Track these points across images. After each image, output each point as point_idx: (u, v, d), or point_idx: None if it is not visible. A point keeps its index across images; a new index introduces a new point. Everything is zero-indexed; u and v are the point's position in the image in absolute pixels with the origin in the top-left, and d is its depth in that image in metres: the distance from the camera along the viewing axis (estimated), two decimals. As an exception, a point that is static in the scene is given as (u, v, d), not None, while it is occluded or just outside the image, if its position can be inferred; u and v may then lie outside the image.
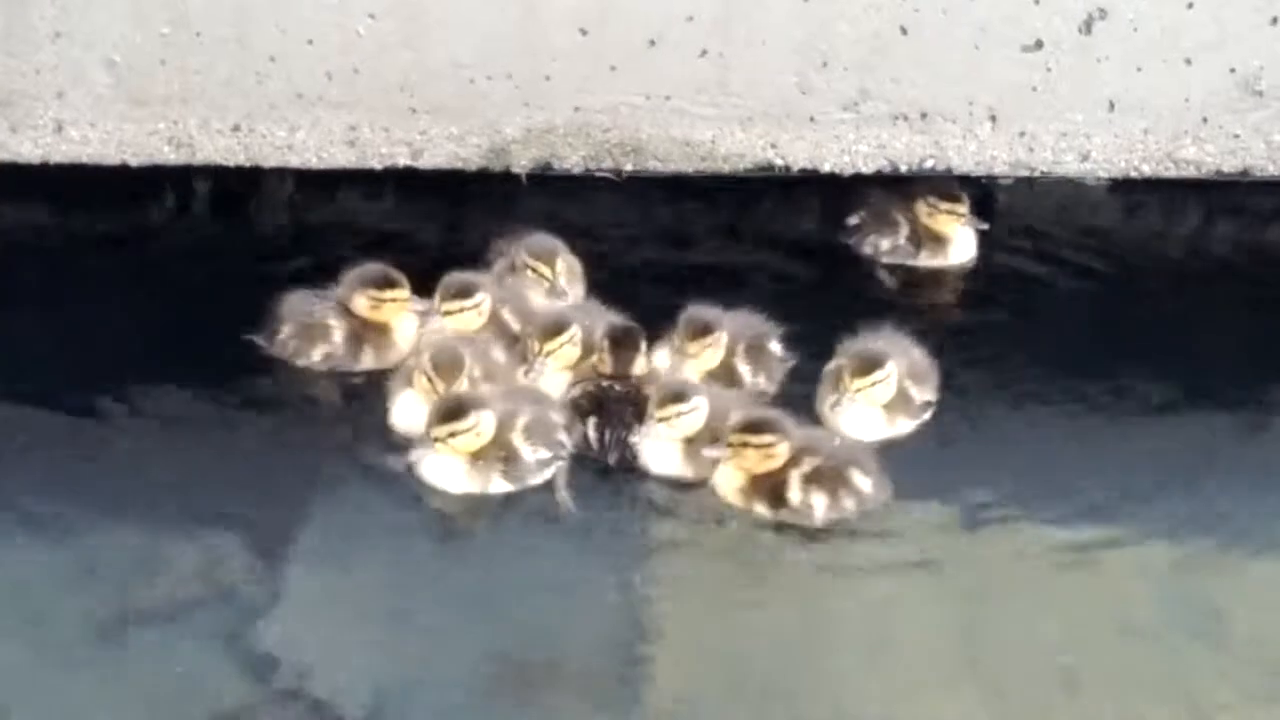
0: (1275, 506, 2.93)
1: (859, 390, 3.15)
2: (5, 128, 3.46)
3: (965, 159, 3.67)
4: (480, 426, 3.04)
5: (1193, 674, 2.67)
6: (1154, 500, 2.92)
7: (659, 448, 3.13)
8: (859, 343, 3.31)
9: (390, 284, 3.25)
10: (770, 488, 3.05)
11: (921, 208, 3.47)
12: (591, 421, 3.21)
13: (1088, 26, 3.55)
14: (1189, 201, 3.72)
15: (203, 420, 3.20)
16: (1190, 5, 3.44)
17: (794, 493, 3.03)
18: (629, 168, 3.68)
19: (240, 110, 3.50)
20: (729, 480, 3.06)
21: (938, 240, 3.49)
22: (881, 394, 3.18)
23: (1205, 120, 3.58)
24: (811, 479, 3.01)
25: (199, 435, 3.16)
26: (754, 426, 3.06)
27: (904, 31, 3.51)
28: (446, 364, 3.12)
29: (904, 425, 3.18)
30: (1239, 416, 3.15)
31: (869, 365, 3.18)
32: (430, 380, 3.14)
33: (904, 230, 3.49)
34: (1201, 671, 2.69)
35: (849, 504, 3.05)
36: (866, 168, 3.66)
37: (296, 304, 3.28)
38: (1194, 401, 3.18)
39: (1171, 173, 3.65)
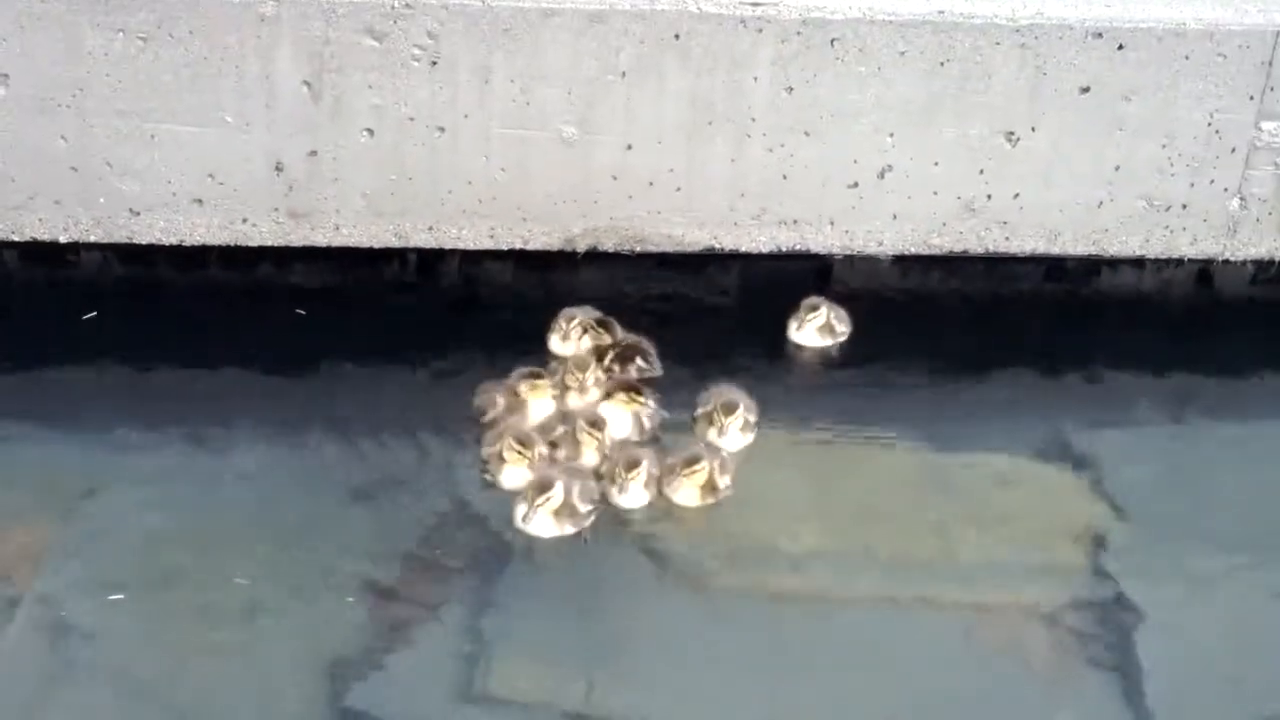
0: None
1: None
2: (306, 227, 4.77)
3: (817, 245, 4.87)
4: (555, 494, 3.86)
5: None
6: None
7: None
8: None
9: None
10: None
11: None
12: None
13: (882, 175, 4.79)
14: (935, 268, 4.95)
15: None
16: (936, 163, 4.74)
17: None
18: (638, 249, 4.82)
19: (433, 219, 4.73)
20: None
21: None
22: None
23: (944, 224, 4.89)
24: None
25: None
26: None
27: (785, 178, 4.74)
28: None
29: None
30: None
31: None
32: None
33: None
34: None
35: None
36: (765, 249, 4.83)
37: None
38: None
39: (925, 251, 4.91)
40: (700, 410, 4.26)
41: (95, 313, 4.57)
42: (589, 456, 4.07)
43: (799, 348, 4.62)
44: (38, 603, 3.56)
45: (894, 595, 3.85)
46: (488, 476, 4.01)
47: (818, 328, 4.60)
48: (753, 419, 4.24)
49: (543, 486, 3.81)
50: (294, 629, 3.57)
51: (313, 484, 3.97)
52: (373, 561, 3.76)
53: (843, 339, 4.62)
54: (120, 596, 3.55)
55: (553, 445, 4.10)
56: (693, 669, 3.54)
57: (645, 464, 3.97)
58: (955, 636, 3.68)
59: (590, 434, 4.03)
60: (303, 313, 4.63)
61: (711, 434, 4.21)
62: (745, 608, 3.69)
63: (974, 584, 3.80)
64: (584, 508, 3.87)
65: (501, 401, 4.19)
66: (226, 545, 3.75)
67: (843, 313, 4.69)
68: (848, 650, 3.61)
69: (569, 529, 3.81)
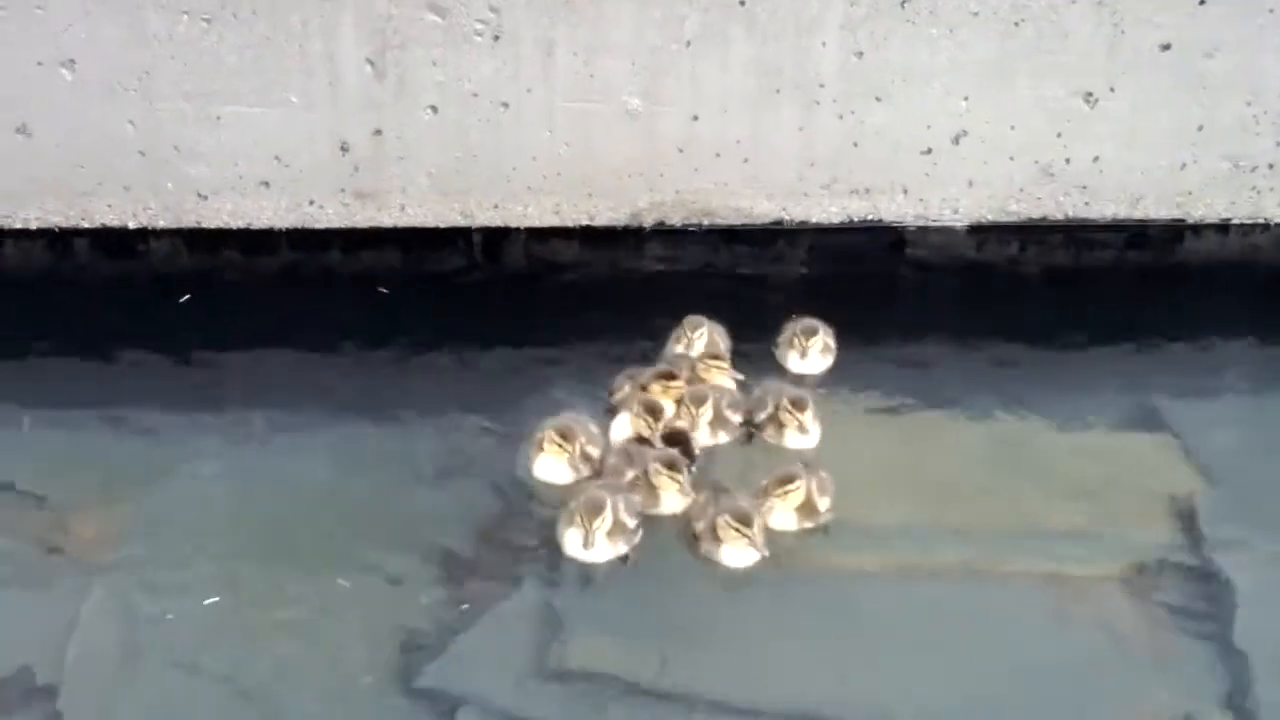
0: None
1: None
2: (373, 208, 4.77)
3: (890, 215, 4.84)
4: (607, 515, 3.69)
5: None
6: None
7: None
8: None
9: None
10: None
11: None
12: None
13: (956, 140, 4.76)
14: (1012, 236, 4.95)
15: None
16: (1012, 127, 4.73)
17: None
18: (705, 223, 4.83)
19: (498, 196, 4.76)
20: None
21: None
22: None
23: (1022, 190, 4.86)
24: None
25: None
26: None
27: (855, 145, 4.72)
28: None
29: None
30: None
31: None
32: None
33: None
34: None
35: None
36: (836, 220, 4.84)
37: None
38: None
39: (1002, 219, 4.88)
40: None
41: (189, 295, 4.65)
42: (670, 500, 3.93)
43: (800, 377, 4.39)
44: (112, 583, 3.60)
45: (978, 568, 3.81)
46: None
47: (819, 350, 4.35)
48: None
49: (595, 509, 3.66)
50: (365, 609, 3.57)
51: (384, 464, 3.98)
52: (445, 540, 3.76)
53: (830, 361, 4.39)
54: (215, 599, 3.57)
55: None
56: (770, 644, 3.52)
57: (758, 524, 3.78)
58: (1044, 609, 3.64)
59: (670, 476, 3.89)
60: (385, 291, 4.68)
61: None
62: (826, 583, 3.69)
63: (1061, 556, 3.77)
64: (631, 522, 3.74)
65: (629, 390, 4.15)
66: (298, 526, 3.76)
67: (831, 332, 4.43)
68: (930, 625, 3.57)
69: (622, 548, 3.71)
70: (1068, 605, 3.73)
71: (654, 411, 3.96)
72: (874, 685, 3.44)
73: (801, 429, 3.99)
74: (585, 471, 3.92)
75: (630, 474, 3.85)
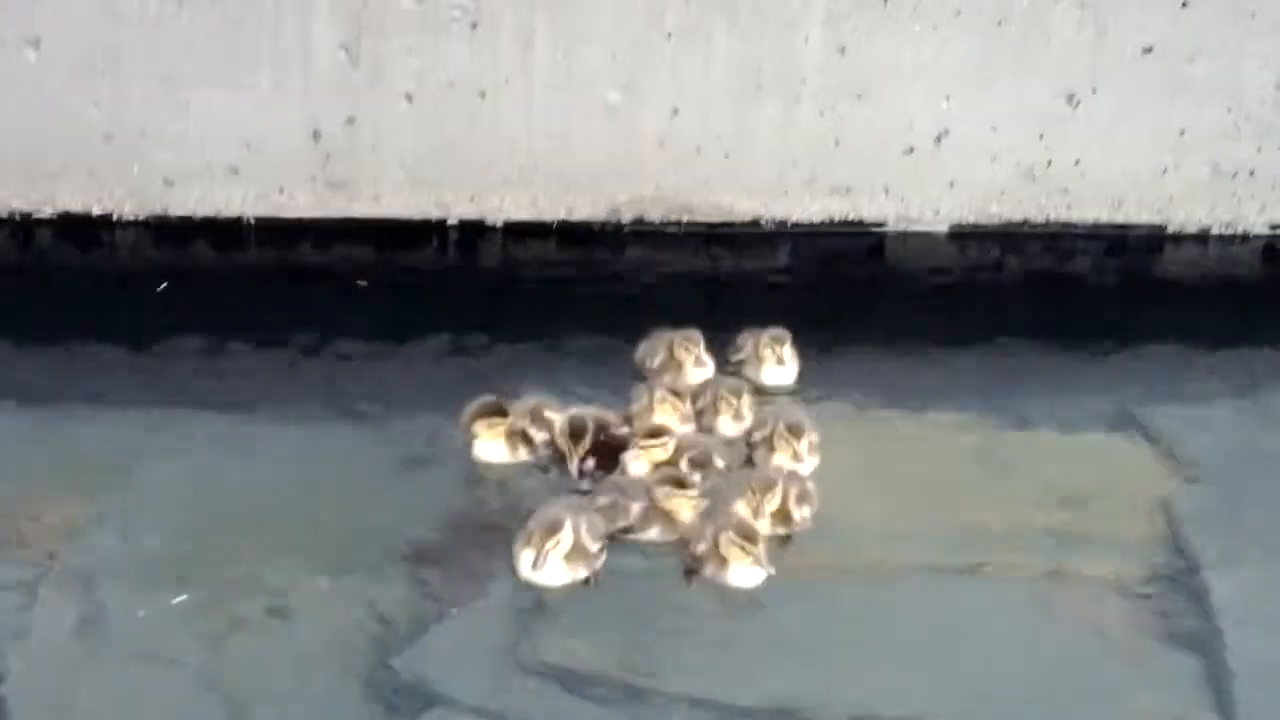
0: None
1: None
2: (345, 198, 4.76)
3: (870, 215, 4.86)
4: (565, 534, 3.49)
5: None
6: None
7: None
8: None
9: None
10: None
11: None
12: (590, 462, 3.81)
13: (938, 140, 4.77)
14: (990, 241, 4.98)
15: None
16: (994, 128, 4.75)
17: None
18: (685, 219, 4.83)
19: (474, 188, 4.74)
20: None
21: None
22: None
23: (1003, 192, 4.89)
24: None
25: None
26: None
27: (836, 144, 4.74)
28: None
29: None
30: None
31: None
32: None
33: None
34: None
35: None
36: (816, 219, 4.85)
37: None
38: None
39: (983, 220, 4.92)
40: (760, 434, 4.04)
41: (166, 284, 4.59)
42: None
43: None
44: (72, 575, 3.52)
45: (959, 570, 3.78)
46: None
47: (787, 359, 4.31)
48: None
49: (551, 528, 3.48)
50: (332, 603, 3.50)
51: (352, 459, 3.92)
52: (414, 532, 3.69)
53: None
54: (183, 597, 3.47)
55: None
56: (750, 642, 3.46)
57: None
58: (1028, 612, 3.63)
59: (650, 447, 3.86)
60: (364, 284, 4.70)
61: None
62: (807, 584, 3.63)
63: (1045, 557, 3.73)
64: (594, 546, 3.55)
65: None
66: (265, 518, 3.70)
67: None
68: (913, 627, 3.52)
69: (581, 573, 3.53)
70: (1052, 607, 3.68)
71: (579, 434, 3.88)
72: (856, 686, 3.38)
73: (797, 457, 3.90)
74: (524, 454, 3.87)
75: (631, 505, 3.73)
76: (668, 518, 3.67)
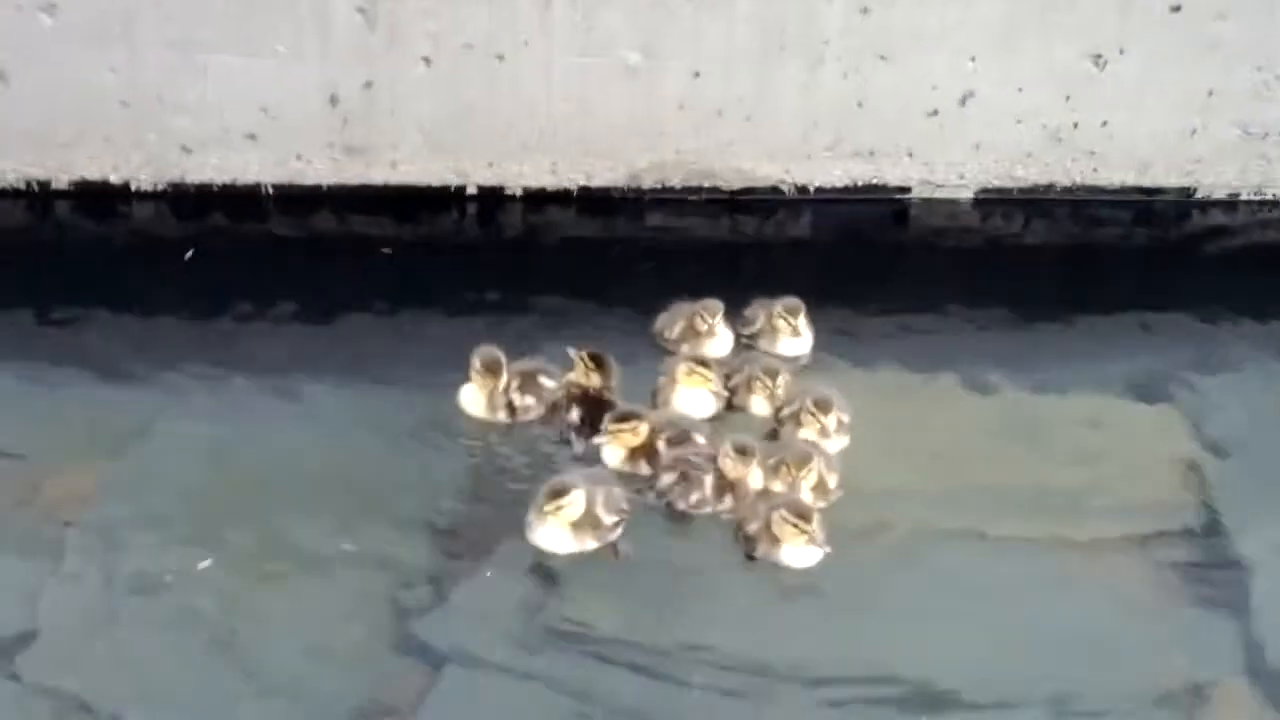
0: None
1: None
2: (363, 164, 4.72)
3: (894, 179, 4.83)
4: (575, 501, 3.49)
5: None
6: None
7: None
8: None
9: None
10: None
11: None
12: (575, 413, 3.89)
13: (963, 102, 4.72)
14: (1015, 207, 4.94)
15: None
16: (1020, 89, 4.71)
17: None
18: (706, 184, 4.79)
19: (494, 153, 4.72)
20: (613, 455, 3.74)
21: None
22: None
23: (1029, 154, 4.85)
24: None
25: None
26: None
27: (860, 105, 4.70)
28: None
29: None
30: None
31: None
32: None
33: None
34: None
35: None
36: (839, 184, 4.81)
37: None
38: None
39: (1008, 184, 4.87)
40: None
41: (193, 250, 4.61)
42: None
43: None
44: (94, 537, 3.56)
45: (986, 533, 3.77)
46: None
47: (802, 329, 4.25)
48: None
49: (557, 492, 3.48)
50: (355, 565, 3.53)
51: (371, 423, 3.93)
52: (433, 495, 3.71)
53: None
54: (208, 563, 3.50)
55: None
56: (771, 606, 3.51)
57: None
58: (1054, 575, 3.66)
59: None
60: (389, 251, 4.65)
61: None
62: (833, 549, 3.63)
63: (1072, 522, 3.79)
64: (608, 518, 3.54)
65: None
66: (284, 483, 3.72)
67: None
68: (941, 590, 3.55)
69: (589, 544, 3.51)
70: (1079, 571, 3.67)
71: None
72: (880, 648, 3.40)
73: (824, 433, 3.86)
74: (502, 416, 3.86)
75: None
76: (736, 488, 3.65)
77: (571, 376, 3.97)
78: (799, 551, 3.51)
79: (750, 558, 3.57)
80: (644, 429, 3.73)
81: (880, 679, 3.33)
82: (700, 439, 3.80)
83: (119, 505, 3.66)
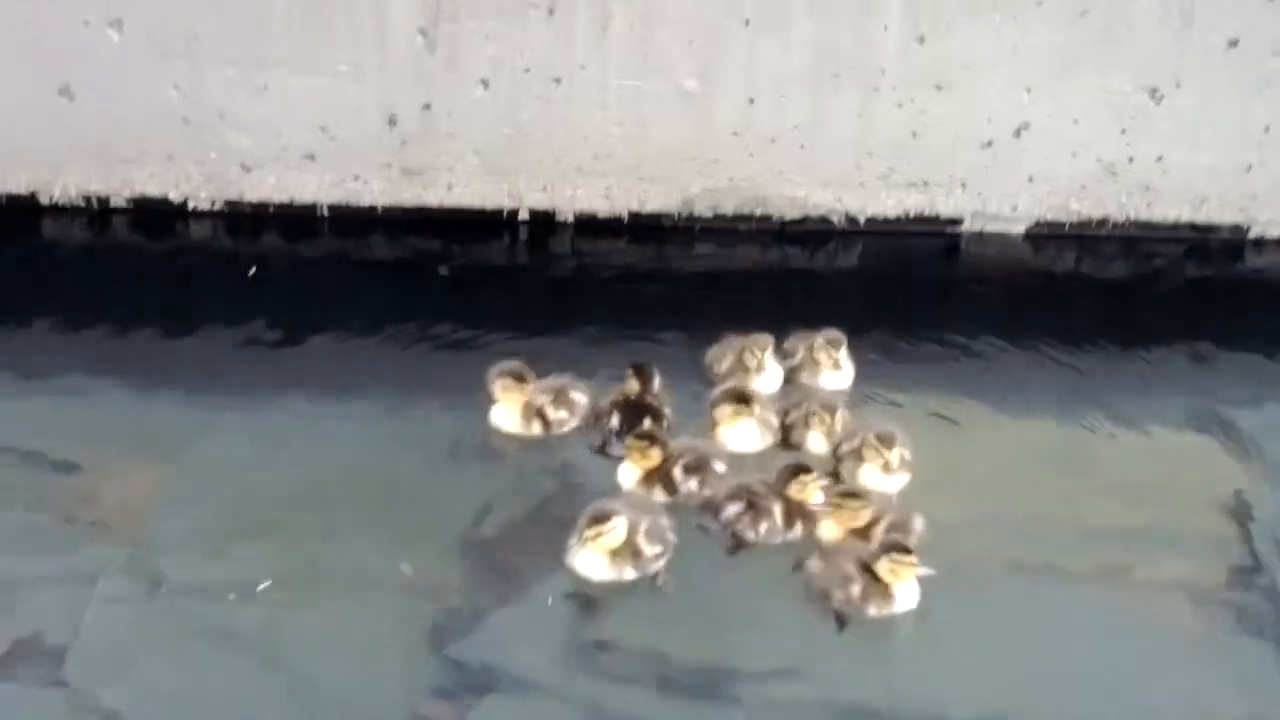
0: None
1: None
2: (419, 185, 4.78)
3: (946, 210, 4.86)
4: (616, 529, 3.43)
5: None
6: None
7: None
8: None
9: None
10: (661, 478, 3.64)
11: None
12: (616, 419, 3.90)
13: (1018, 134, 4.75)
14: (1068, 242, 4.93)
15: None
16: (1076, 121, 4.70)
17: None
18: (759, 213, 4.82)
19: (547, 177, 4.77)
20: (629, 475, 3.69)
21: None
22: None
23: (1083, 188, 4.87)
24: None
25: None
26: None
27: (914, 136, 4.74)
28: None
29: None
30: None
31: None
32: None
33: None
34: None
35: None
36: (891, 214, 4.84)
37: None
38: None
39: (1062, 218, 4.87)
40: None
41: (255, 268, 4.65)
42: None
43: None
44: (137, 550, 3.56)
45: (1038, 566, 3.73)
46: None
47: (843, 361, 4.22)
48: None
49: (597, 519, 3.43)
50: (396, 586, 3.51)
51: (416, 443, 3.92)
52: (475, 517, 3.69)
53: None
54: (266, 584, 3.47)
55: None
56: (814, 633, 3.49)
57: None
58: (1107, 608, 3.63)
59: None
60: (446, 272, 4.67)
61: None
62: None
63: (1124, 555, 3.76)
64: (651, 549, 3.49)
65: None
66: (327, 501, 3.71)
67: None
68: (992, 623, 3.53)
69: (628, 573, 3.46)
70: (1130, 606, 3.63)
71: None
72: (932, 680, 3.37)
73: (887, 468, 3.81)
74: (538, 431, 3.85)
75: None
76: (804, 515, 3.61)
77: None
78: (909, 589, 3.48)
79: (840, 620, 3.51)
80: (655, 453, 3.70)
81: (931, 715, 3.30)
82: (720, 467, 3.75)
83: (166, 520, 3.68)
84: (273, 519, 3.63)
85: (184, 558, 3.55)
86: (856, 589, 3.41)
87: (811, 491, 3.63)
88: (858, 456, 3.82)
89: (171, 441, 3.93)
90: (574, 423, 3.96)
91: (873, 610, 3.42)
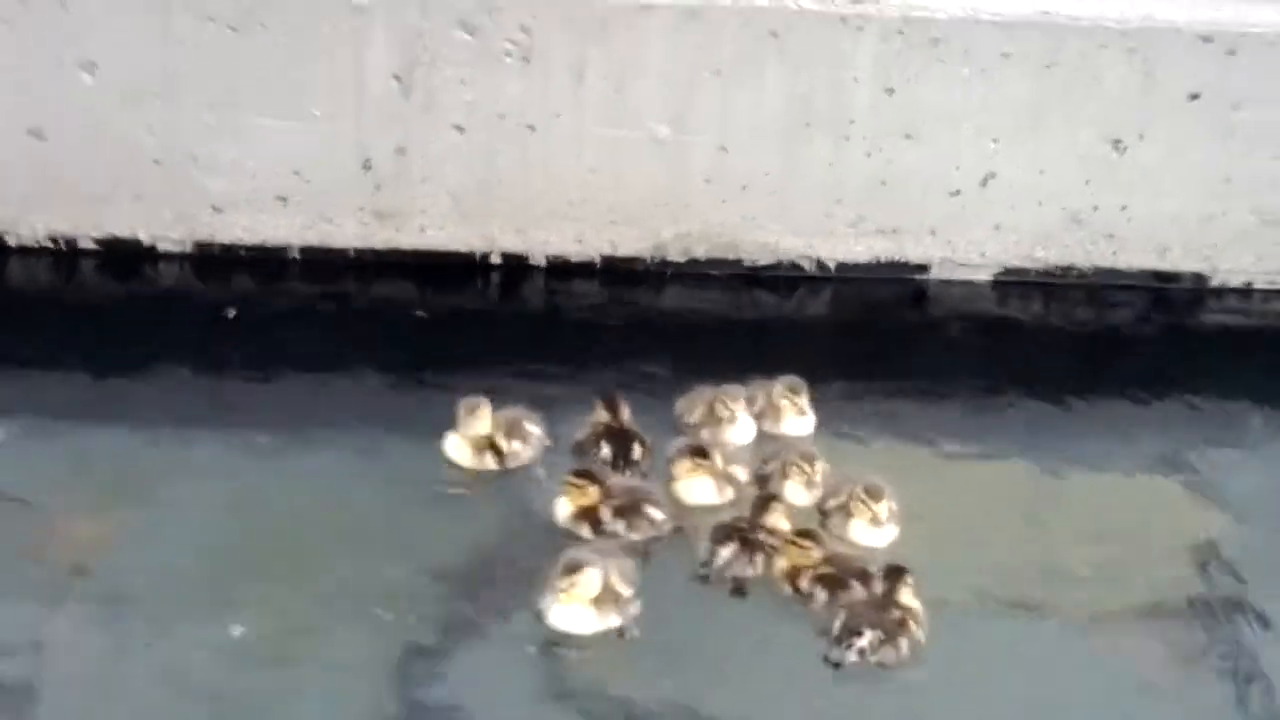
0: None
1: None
2: (392, 228, 4.73)
3: (915, 256, 4.85)
4: (590, 579, 3.39)
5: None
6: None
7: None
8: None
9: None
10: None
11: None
12: (606, 449, 3.91)
13: (985, 183, 4.76)
14: (1034, 288, 4.96)
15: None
16: (1041, 171, 4.73)
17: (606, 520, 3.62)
18: (731, 257, 4.79)
19: (521, 221, 4.73)
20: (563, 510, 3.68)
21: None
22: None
23: (1049, 236, 4.86)
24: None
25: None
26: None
27: (883, 184, 4.73)
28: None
29: None
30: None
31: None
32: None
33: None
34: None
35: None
36: (861, 259, 4.83)
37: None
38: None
39: (1028, 265, 4.89)
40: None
41: (234, 311, 4.62)
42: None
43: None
44: (98, 594, 3.53)
45: (1004, 606, 3.76)
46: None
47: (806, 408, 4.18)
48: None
49: (570, 569, 3.39)
50: (361, 625, 3.49)
51: (386, 485, 3.92)
52: (444, 561, 3.68)
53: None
54: (241, 629, 3.43)
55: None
56: (794, 675, 3.48)
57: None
58: (1073, 648, 3.67)
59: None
60: (423, 315, 4.67)
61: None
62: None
63: (1089, 597, 3.80)
64: (626, 591, 3.45)
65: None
66: (294, 543, 3.71)
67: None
68: (957, 664, 3.55)
69: (612, 620, 3.43)
70: (1098, 648, 3.66)
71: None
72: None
73: (875, 521, 3.77)
74: (492, 464, 3.84)
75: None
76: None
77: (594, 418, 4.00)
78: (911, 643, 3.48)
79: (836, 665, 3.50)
80: (594, 492, 3.68)
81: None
82: (656, 513, 3.74)
83: (129, 557, 3.66)
84: (241, 560, 3.62)
85: (148, 601, 3.52)
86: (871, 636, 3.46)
87: (787, 517, 3.65)
88: (845, 511, 3.78)
89: (139, 483, 3.90)
90: (529, 453, 3.96)
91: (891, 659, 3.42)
